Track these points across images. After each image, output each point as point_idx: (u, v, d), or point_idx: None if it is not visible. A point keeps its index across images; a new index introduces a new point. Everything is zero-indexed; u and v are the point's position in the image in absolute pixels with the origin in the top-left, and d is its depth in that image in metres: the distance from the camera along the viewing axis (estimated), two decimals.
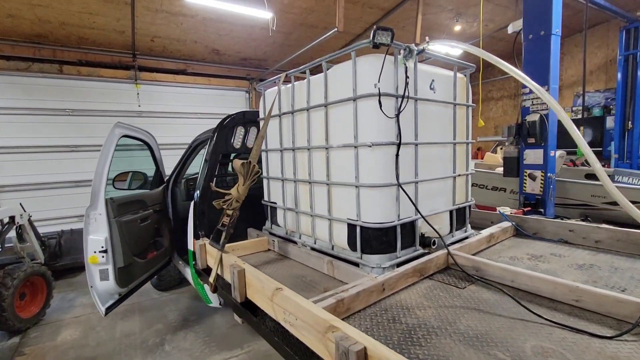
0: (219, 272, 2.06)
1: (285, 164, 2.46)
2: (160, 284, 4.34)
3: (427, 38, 1.85)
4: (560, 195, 4.59)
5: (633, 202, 4.19)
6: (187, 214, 3.68)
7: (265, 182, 2.74)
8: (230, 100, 7.81)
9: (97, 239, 2.64)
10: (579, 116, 7.38)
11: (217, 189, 2.11)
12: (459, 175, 2.29)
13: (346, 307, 1.51)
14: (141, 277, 3.05)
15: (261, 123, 2.71)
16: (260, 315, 1.66)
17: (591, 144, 6.66)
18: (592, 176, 4.95)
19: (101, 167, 2.64)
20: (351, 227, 1.95)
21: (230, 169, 3.22)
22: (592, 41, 7.50)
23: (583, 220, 3.49)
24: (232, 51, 7.11)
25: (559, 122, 4.35)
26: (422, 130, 1.97)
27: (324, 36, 5.03)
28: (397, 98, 1.80)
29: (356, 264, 1.92)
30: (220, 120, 2.84)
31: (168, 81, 7.00)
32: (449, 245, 2.06)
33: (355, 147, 1.83)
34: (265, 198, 2.78)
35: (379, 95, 1.71)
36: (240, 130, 2.91)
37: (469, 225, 2.47)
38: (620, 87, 6.06)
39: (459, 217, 2.34)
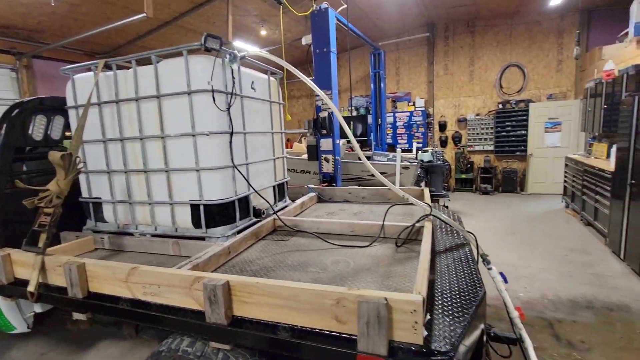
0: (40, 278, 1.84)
1: (111, 155, 2.35)
2: None
3: (247, 51, 2.31)
4: (344, 172, 6.21)
5: (382, 172, 6.10)
6: None
7: (82, 177, 2.49)
8: None
9: None
10: (353, 114, 9.90)
11: (29, 186, 1.83)
12: (278, 158, 2.92)
13: (201, 270, 1.80)
14: None
15: (71, 111, 2.43)
16: (110, 301, 1.70)
17: (362, 135, 9.08)
18: None
19: None
20: (194, 208, 2.20)
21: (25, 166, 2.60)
22: (355, 59, 10.17)
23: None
24: None
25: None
26: (249, 122, 2.44)
27: (129, 19, 4.61)
28: (226, 94, 2.17)
29: (202, 239, 2.20)
30: (6, 107, 2.29)
31: None
32: (274, 213, 2.65)
33: (193, 135, 2.08)
34: (84, 195, 2.52)
35: (212, 91, 2.04)
36: (40, 120, 2.46)
37: (287, 197, 3.18)
38: (373, 94, 8.65)
39: (280, 191, 2.99)
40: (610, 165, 4.61)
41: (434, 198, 6.90)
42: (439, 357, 1.12)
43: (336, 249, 2.17)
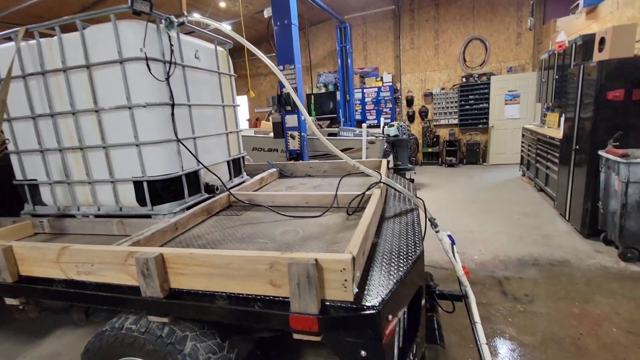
0: None
1: (43, 133, 2.18)
2: None
3: (185, 13, 2.16)
4: (312, 149, 6.17)
5: (348, 148, 6.15)
6: None
7: (14, 158, 2.31)
8: None
9: None
10: (322, 91, 9.76)
11: None
12: (231, 132, 2.83)
13: (143, 247, 1.74)
14: None
15: None
16: (43, 283, 1.62)
17: (331, 112, 8.98)
18: (331, 135, 6.90)
19: None
20: (138, 185, 2.10)
21: None
22: (322, 33, 9.93)
23: None
24: None
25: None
26: (194, 94, 2.32)
27: None
28: (164, 63, 2.04)
29: (148, 216, 2.12)
30: None
31: None
32: (230, 189, 2.60)
33: (129, 108, 1.96)
34: (18, 177, 2.35)
35: (146, 59, 1.90)
36: None
37: (244, 173, 3.12)
38: (340, 70, 8.53)
39: (235, 167, 2.92)
40: (560, 133, 4.86)
41: (401, 172, 7.05)
42: (367, 312, 1.15)
43: (288, 220, 2.16)
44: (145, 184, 2.07)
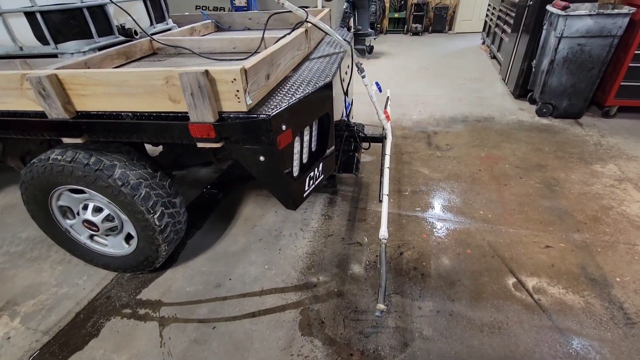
0: None
1: None
2: None
3: None
4: (262, 8, 5.51)
5: (304, 6, 5.44)
6: None
7: None
8: None
9: None
10: None
11: None
12: None
13: None
14: None
15: None
16: None
17: None
18: None
19: None
20: (31, 18, 1.87)
21: None
22: None
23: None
24: None
25: None
26: None
27: None
28: None
29: (54, 56, 1.97)
30: None
31: None
32: (152, 34, 2.38)
33: None
34: None
35: None
36: None
37: (170, 20, 2.81)
38: None
39: (155, 10, 2.60)
40: None
41: (360, 37, 6.64)
42: (260, 119, 1.27)
43: (212, 62, 2.10)
44: (39, 16, 1.84)
